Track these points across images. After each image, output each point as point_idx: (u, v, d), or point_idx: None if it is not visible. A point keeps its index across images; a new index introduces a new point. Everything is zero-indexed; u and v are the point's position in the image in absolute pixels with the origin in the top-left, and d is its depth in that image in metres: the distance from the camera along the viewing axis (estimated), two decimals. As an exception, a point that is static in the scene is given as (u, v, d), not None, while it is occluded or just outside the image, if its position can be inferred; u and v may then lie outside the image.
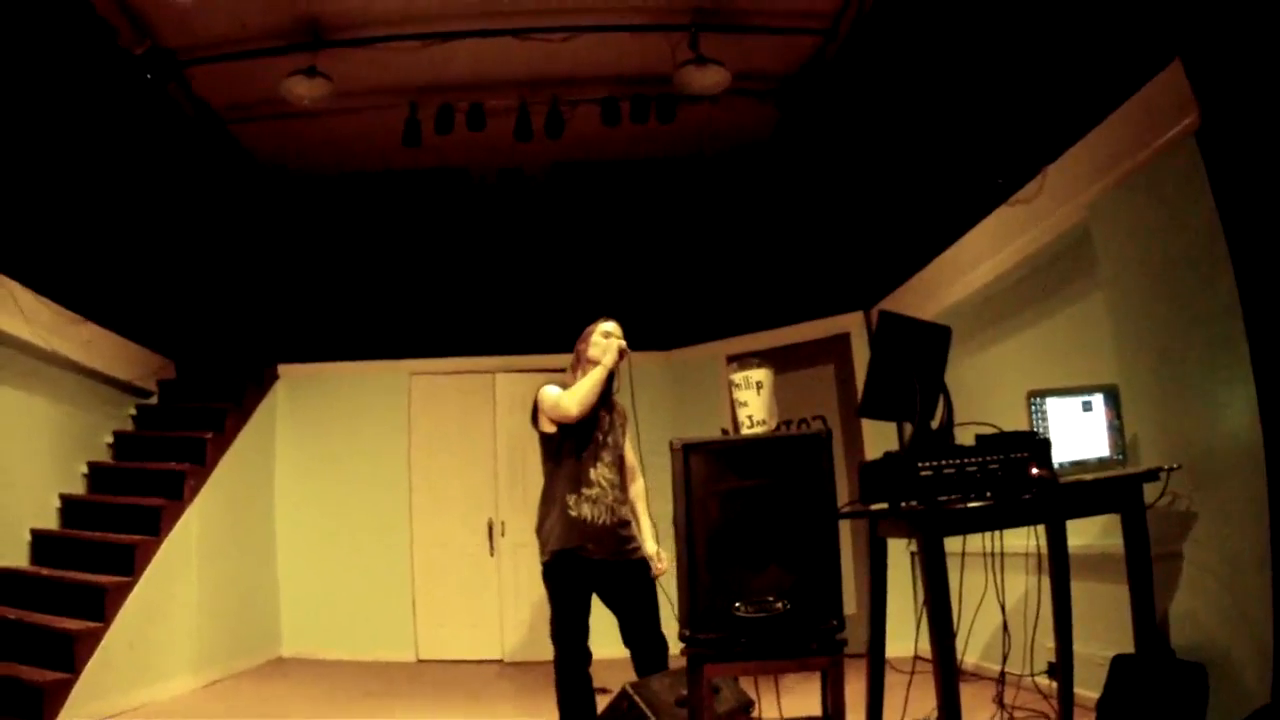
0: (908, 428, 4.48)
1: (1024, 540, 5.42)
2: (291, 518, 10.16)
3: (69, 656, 6.70)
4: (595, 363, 5.51)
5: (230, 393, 9.76)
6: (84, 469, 8.76)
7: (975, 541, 4.40)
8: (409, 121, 9.33)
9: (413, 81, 9.09)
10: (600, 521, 5.38)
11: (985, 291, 7.16)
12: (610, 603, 5.53)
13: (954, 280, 7.45)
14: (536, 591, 9.34)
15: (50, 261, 8.17)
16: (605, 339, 5.61)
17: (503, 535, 9.91)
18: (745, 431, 4.60)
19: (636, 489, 5.84)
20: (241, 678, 8.76)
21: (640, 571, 5.52)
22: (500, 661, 9.61)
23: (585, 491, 5.42)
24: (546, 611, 9.28)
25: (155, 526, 8.00)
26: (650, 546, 5.66)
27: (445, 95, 9.19)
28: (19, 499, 7.85)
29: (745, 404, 4.63)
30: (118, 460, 9.08)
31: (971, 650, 4.16)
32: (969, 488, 4.14)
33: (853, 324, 9.00)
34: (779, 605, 4.06)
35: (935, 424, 4.57)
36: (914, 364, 4.51)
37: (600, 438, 5.57)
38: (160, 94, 8.82)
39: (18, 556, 7.77)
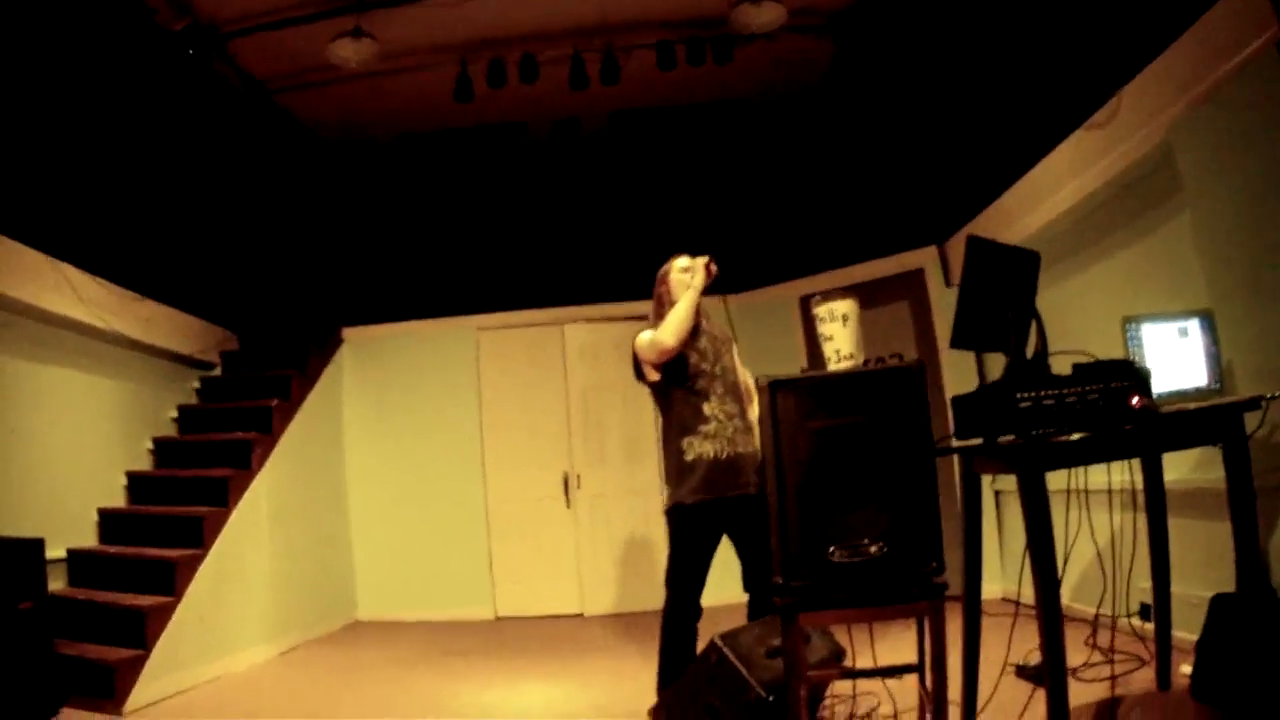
0: (990, 363, 4.24)
1: (1110, 477, 5.20)
2: (362, 480, 10.11)
3: (140, 633, 6.66)
4: (671, 300, 5.37)
5: (294, 359, 9.67)
6: (150, 445, 8.75)
7: (1056, 480, 4.15)
8: (460, 78, 9.13)
9: (461, 37, 8.86)
10: (722, 456, 5.15)
11: (1065, 219, 6.87)
12: (736, 543, 5.33)
13: (1030, 209, 7.16)
14: (615, 543, 9.61)
15: (106, 243, 8.16)
16: (685, 274, 5.42)
17: (578, 487, 9.79)
18: (832, 366, 4.32)
19: (754, 404, 5.52)
20: (318, 644, 8.74)
21: (759, 505, 5.12)
22: (580, 615, 9.53)
23: (702, 429, 5.20)
24: (625, 563, 9.53)
25: (223, 497, 7.94)
26: None
27: (495, 49, 8.98)
28: (86, 480, 7.86)
29: (831, 337, 4.34)
30: (183, 434, 9.06)
31: (1066, 589, 3.98)
32: (1069, 420, 3.89)
33: (926, 259, 8.73)
34: (875, 548, 3.84)
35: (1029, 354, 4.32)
36: (1005, 291, 4.27)
37: (707, 369, 5.32)
38: (205, 69, 8.68)
39: (86, 537, 7.77)
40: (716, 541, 5.26)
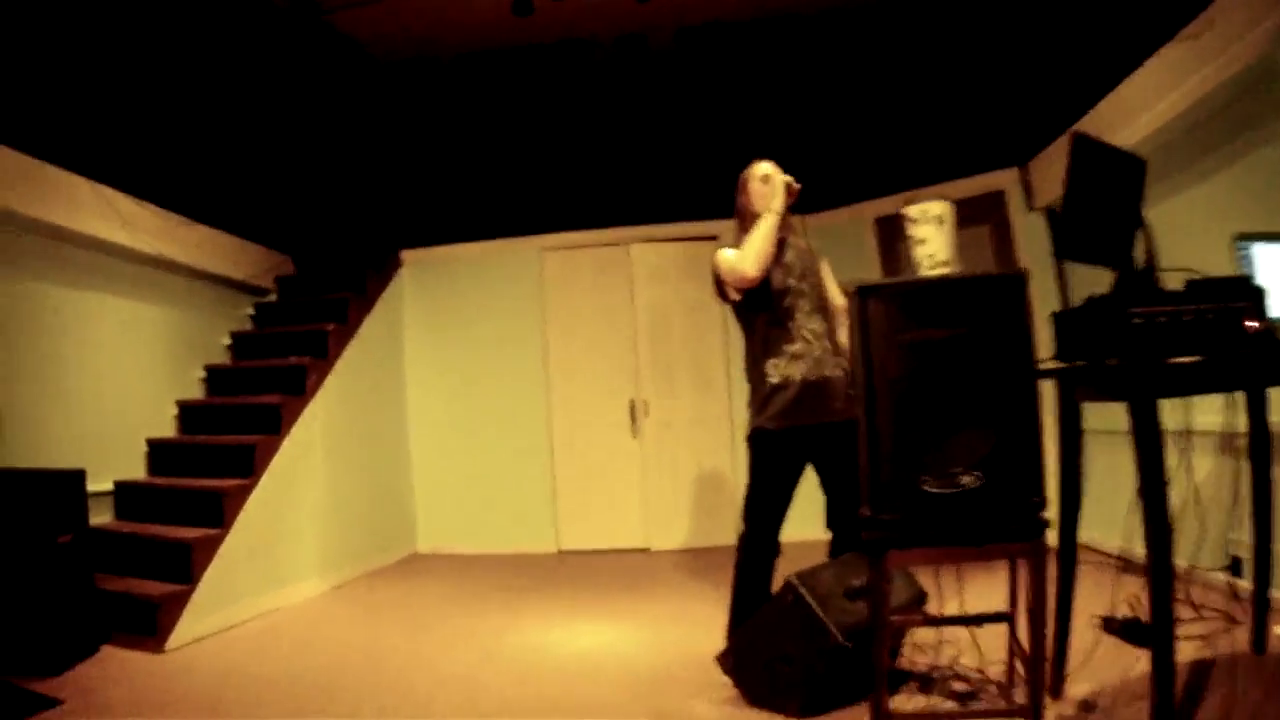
0: (1077, 287, 3.81)
1: (1199, 418, 4.80)
2: (423, 407, 9.85)
3: (186, 567, 6.45)
4: (759, 215, 4.94)
5: (351, 282, 9.37)
6: (202, 374, 8.54)
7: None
8: None
9: None
10: (811, 378, 4.81)
11: (1158, 137, 6.28)
12: (822, 474, 4.97)
13: (1119, 127, 6.56)
14: (682, 475, 9.33)
15: (154, 168, 7.94)
16: (764, 184, 5.06)
17: (646, 415, 9.45)
18: (925, 272, 3.89)
19: (841, 320, 5.14)
20: (375, 577, 8.53)
21: (847, 430, 4.70)
22: (646, 550, 9.24)
23: (787, 348, 4.86)
24: (694, 496, 9.24)
25: (276, 425, 7.67)
26: None
27: None
28: (136, 410, 7.69)
29: (924, 241, 3.90)
30: (237, 361, 8.85)
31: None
32: (1184, 342, 3.46)
33: (1007, 181, 8.25)
34: (971, 478, 3.45)
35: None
36: (1112, 198, 3.84)
37: (793, 285, 4.96)
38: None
39: (134, 469, 7.60)
40: (800, 472, 4.92)
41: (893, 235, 8.83)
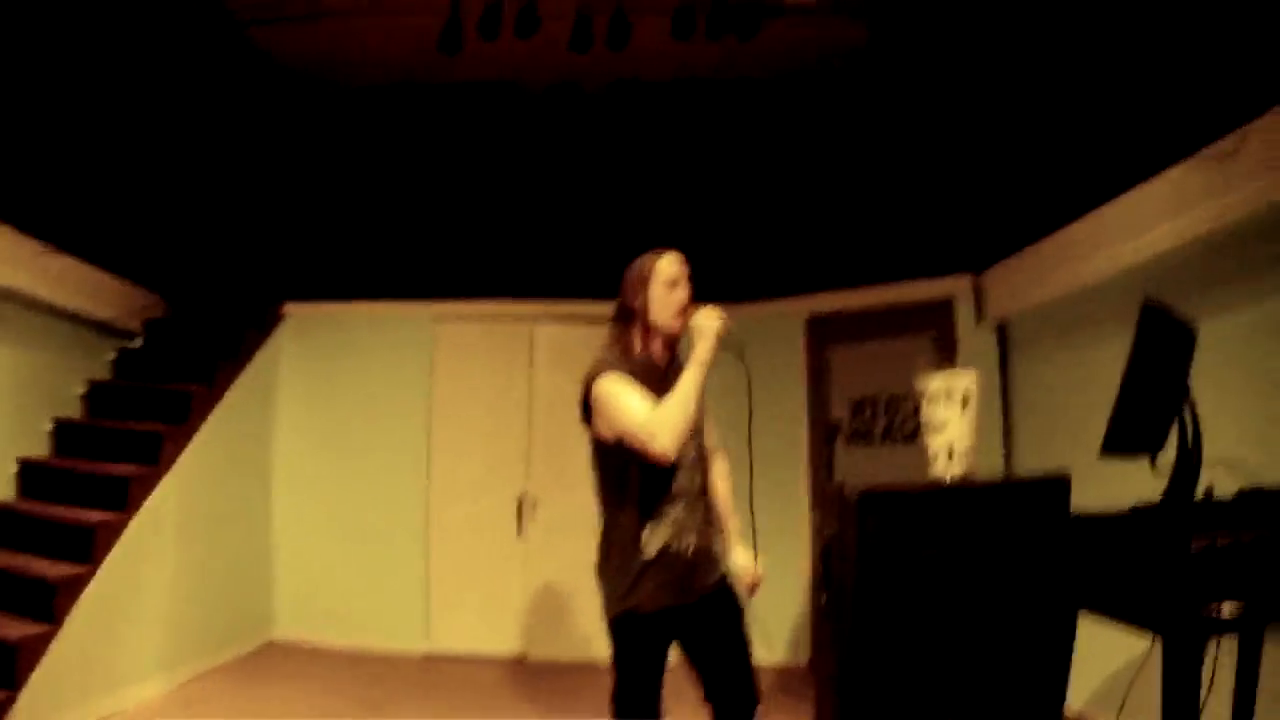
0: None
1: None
2: (291, 482, 8.98)
3: (9, 672, 5.54)
4: (654, 327, 4.01)
5: (225, 337, 8.50)
6: (49, 426, 7.59)
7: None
8: (449, 22, 8.11)
9: None
10: (685, 549, 3.90)
11: (1154, 266, 5.68)
12: (693, 653, 4.07)
13: (1108, 245, 5.99)
14: (569, 581, 8.50)
15: (8, 185, 6.95)
16: (670, 291, 4.00)
17: (534, 514, 8.70)
18: (939, 468, 3.18)
19: (718, 472, 4.35)
20: (226, 672, 7.70)
21: (728, 604, 4.07)
22: (523, 658, 8.50)
23: (668, 511, 3.89)
24: (577, 604, 8.41)
25: (123, 500, 6.78)
26: (742, 554, 4.24)
27: None
28: (-34, 466, 6.75)
29: (944, 426, 3.20)
30: (91, 416, 7.89)
31: None
32: (1242, 571, 2.85)
33: (958, 289, 7.75)
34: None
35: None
36: (1174, 378, 3.20)
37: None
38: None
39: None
40: (668, 648, 3.99)
41: (826, 338, 8.42)
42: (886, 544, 2.83)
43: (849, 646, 2.81)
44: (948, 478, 3.18)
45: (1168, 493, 3.16)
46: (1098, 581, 3.09)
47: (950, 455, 3.17)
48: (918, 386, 3.31)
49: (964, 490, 3.04)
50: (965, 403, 3.19)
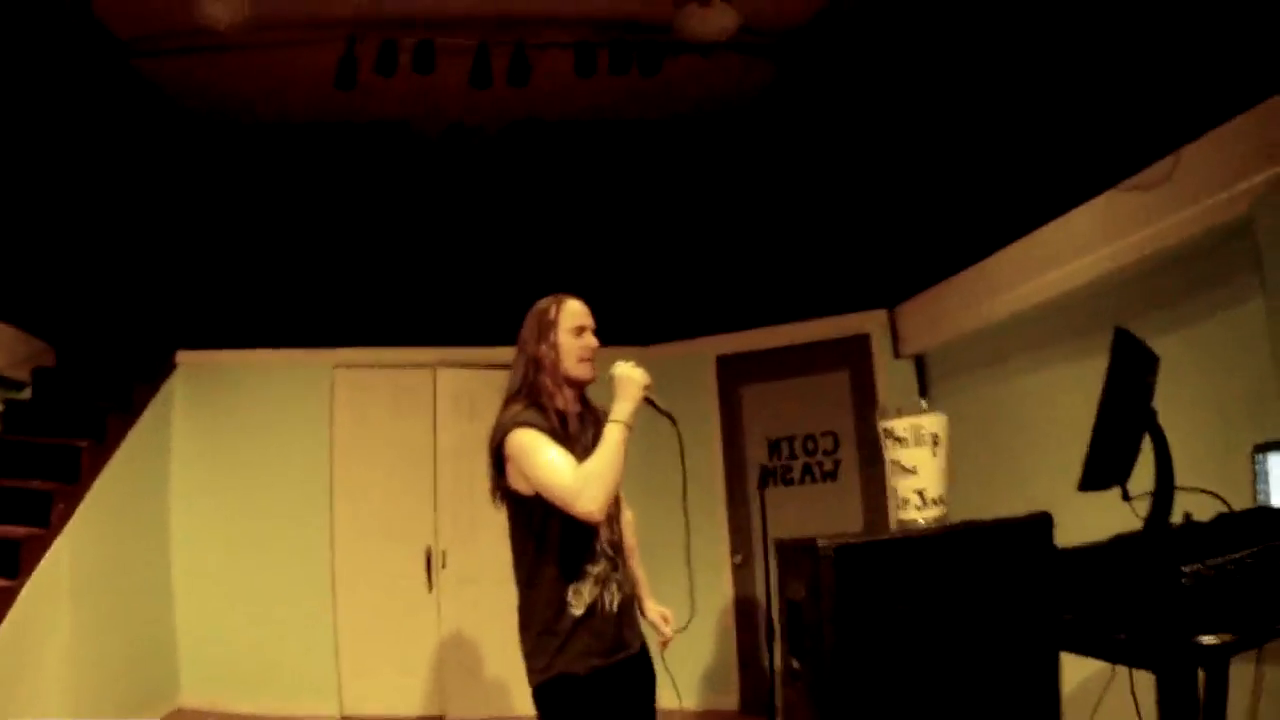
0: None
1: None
2: (190, 542, 8.61)
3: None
4: (564, 375, 3.79)
5: (116, 388, 8.16)
6: (-74, 486, 7.18)
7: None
8: (344, 59, 7.94)
9: (351, 12, 7.77)
10: (610, 608, 3.69)
11: (1069, 299, 5.76)
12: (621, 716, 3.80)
13: (1027, 279, 6.04)
14: (485, 635, 8.27)
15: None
16: (577, 337, 3.81)
17: (443, 567, 8.49)
18: (906, 514, 3.08)
19: (626, 522, 4.10)
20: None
21: (644, 665, 3.88)
22: (441, 718, 8.27)
23: (590, 569, 3.67)
24: (496, 659, 8.17)
25: (14, 567, 6.38)
26: (653, 606, 4.08)
27: (389, 31, 7.84)
28: None
29: (913, 470, 3.08)
30: (-29, 475, 7.49)
31: None
32: (1232, 595, 2.77)
33: (873, 324, 7.86)
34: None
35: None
36: (1141, 404, 3.10)
37: None
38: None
39: None
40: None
41: (737, 377, 8.39)
42: (865, 599, 2.72)
43: (831, 712, 2.68)
44: (921, 522, 3.08)
45: (1149, 520, 3.07)
46: (1083, 619, 3.00)
47: (923, 499, 3.09)
48: (880, 426, 3.21)
49: (943, 536, 2.96)
50: (936, 445, 3.09)
